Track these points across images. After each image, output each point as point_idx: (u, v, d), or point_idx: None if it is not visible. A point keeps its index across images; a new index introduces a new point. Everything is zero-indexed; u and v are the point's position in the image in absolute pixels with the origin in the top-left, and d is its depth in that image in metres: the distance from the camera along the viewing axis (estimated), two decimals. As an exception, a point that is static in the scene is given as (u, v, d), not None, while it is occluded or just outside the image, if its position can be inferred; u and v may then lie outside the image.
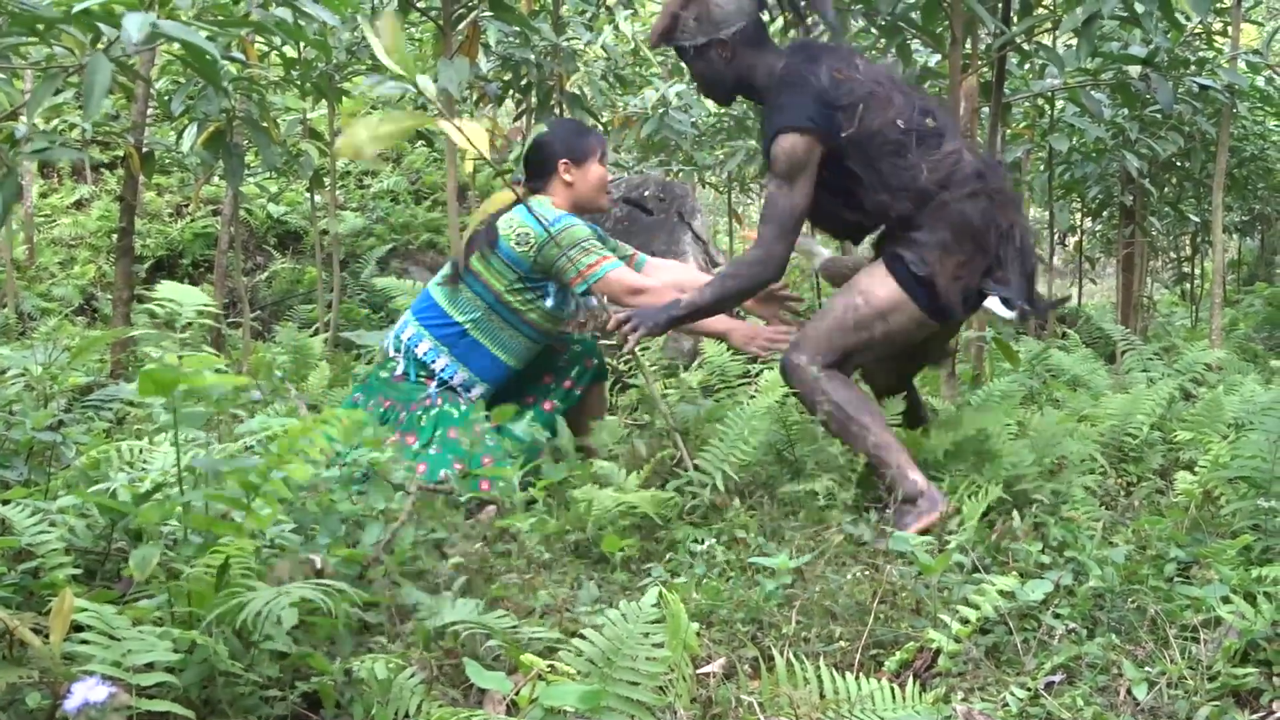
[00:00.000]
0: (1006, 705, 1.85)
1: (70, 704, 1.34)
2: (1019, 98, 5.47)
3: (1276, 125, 6.73)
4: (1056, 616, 2.11)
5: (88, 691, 1.35)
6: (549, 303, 3.31)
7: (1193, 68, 4.97)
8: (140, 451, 2.50)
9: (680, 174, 7.51)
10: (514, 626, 1.89)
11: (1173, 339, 6.06)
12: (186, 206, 7.88)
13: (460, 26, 4.19)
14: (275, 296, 7.37)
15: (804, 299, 3.02)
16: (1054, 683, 1.93)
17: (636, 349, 3.05)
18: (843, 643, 2.12)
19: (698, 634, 1.96)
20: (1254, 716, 1.82)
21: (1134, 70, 4.71)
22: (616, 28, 5.68)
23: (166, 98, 4.64)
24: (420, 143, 7.26)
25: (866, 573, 2.44)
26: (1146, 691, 1.88)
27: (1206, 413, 3.43)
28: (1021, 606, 2.13)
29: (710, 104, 6.15)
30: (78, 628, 1.60)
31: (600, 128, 6.21)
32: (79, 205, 8.00)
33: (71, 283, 7.14)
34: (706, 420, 3.38)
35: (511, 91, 5.73)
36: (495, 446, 3.06)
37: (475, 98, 5.95)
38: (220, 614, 1.70)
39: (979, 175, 2.96)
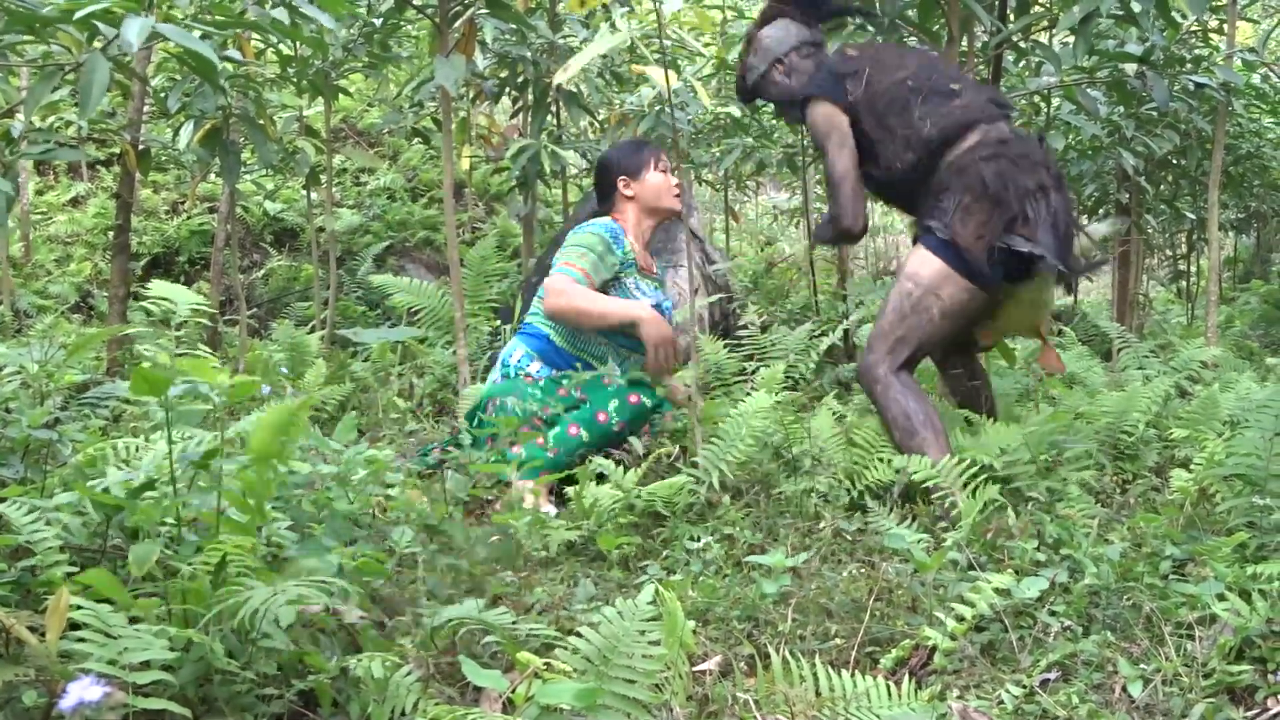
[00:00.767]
0: (1002, 703, 1.85)
1: (65, 703, 1.34)
2: (1016, 95, 5.47)
3: (1272, 123, 6.73)
4: (1052, 614, 2.12)
5: (83, 691, 1.35)
6: None
7: (1189, 66, 4.98)
8: (136, 449, 2.50)
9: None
10: (511, 624, 1.90)
11: (1169, 336, 6.07)
12: (183, 204, 7.87)
13: (457, 24, 4.18)
14: (272, 294, 7.36)
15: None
16: (1049, 680, 1.94)
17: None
18: (839, 640, 2.12)
19: (694, 632, 1.96)
20: (1249, 713, 1.82)
21: (1130, 68, 4.72)
22: (613, 25, 5.67)
23: (163, 95, 4.63)
24: (417, 140, 7.26)
25: (862, 570, 2.44)
26: (1141, 689, 1.88)
27: (1202, 410, 3.43)
28: (1017, 604, 2.13)
29: (707, 102, 6.14)
30: (74, 625, 1.60)
31: (596, 124, 6.21)
32: (75, 202, 7.99)
33: (67, 280, 7.13)
34: (703, 420, 3.38)
35: (508, 89, 5.73)
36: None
37: (472, 95, 5.95)
38: (218, 612, 1.70)
39: (1002, 141, 3.05)
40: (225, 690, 1.69)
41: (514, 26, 4.97)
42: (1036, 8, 4.55)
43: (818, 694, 1.85)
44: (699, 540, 2.58)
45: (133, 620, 1.65)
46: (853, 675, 1.89)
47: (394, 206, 8.04)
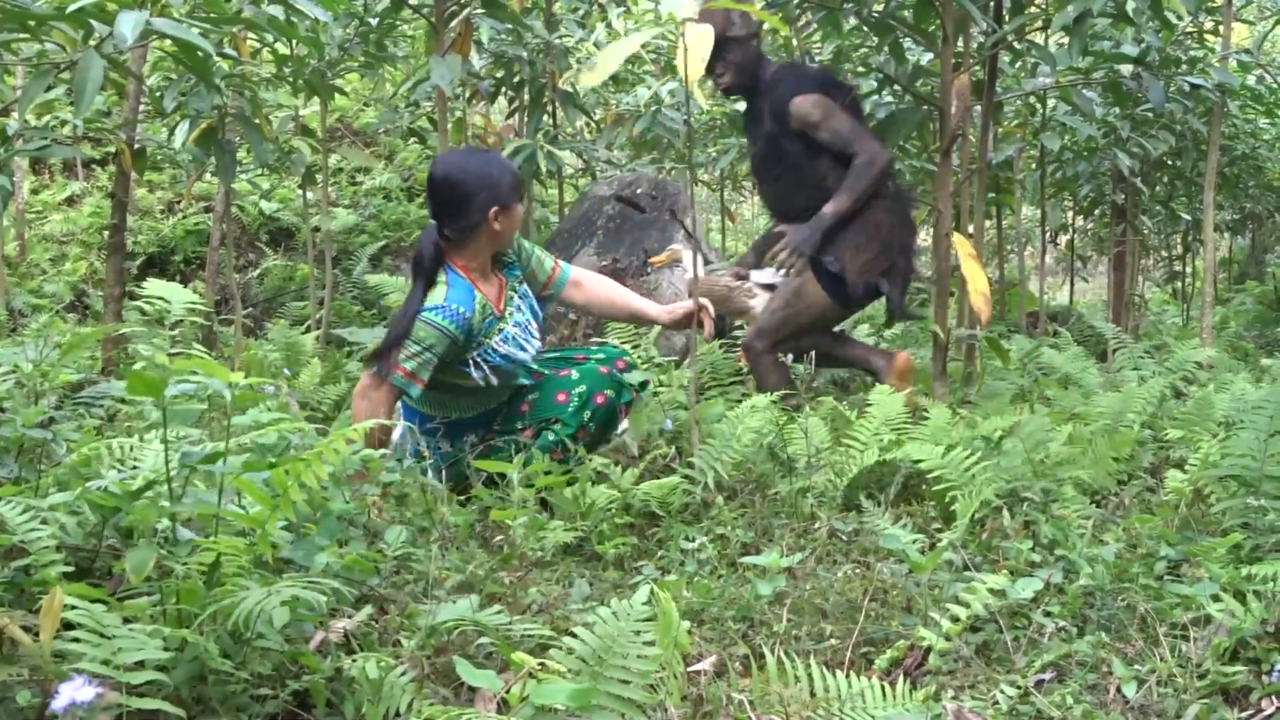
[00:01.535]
0: (996, 703, 1.85)
1: (57, 704, 1.34)
2: (1011, 96, 5.48)
3: (1267, 124, 6.75)
4: (1047, 614, 2.12)
5: (75, 691, 1.34)
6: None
7: (1184, 67, 4.98)
8: (131, 449, 2.49)
9: (673, 172, 7.51)
10: (505, 624, 1.89)
11: (1164, 337, 6.08)
12: (178, 203, 7.86)
13: (453, 24, 4.18)
14: (267, 293, 7.35)
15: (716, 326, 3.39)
16: (1044, 680, 1.94)
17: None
18: (833, 641, 2.12)
19: (689, 632, 1.96)
20: (1243, 714, 1.83)
21: (1125, 69, 4.72)
22: (609, 25, 5.67)
23: (159, 94, 4.63)
24: (413, 140, 7.25)
25: (857, 571, 2.44)
26: (1136, 689, 1.88)
27: (1197, 411, 3.43)
28: (1012, 604, 2.13)
29: (704, 102, 6.15)
30: (68, 625, 1.59)
31: (592, 125, 6.21)
32: (70, 201, 7.98)
33: (63, 279, 7.12)
34: (700, 420, 3.38)
35: (504, 89, 5.73)
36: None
37: (468, 95, 5.95)
38: (213, 612, 1.70)
39: (897, 195, 4.01)
40: (220, 690, 1.69)
41: (510, 26, 4.97)
42: (1031, 8, 4.55)
43: (812, 694, 1.84)
44: (694, 540, 2.58)
45: (127, 620, 1.64)
46: (847, 675, 1.89)
47: (390, 206, 8.04)
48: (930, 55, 4.85)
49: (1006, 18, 4.23)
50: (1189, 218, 7.24)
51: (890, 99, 5.28)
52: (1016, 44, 4.40)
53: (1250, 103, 6.24)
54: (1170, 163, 6.39)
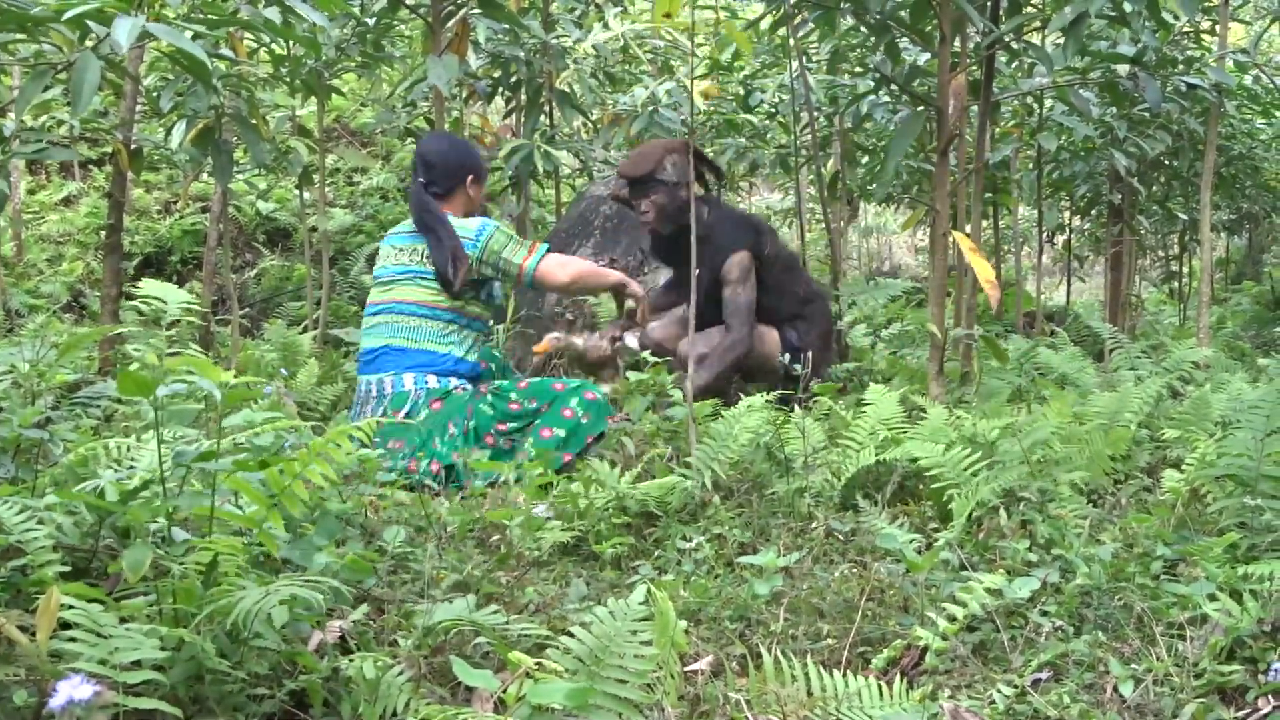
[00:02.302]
0: (993, 703, 1.85)
1: (55, 702, 1.34)
2: (1007, 96, 5.48)
3: (1264, 124, 6.75)
4: (1043, 614, 2.12)
5: (72, 690, 1.34)
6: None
7: (1180, 67, 4.99)
8: (128, 449, 2.49)
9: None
10: (502, 624, 1.89)
11: (1161, 337, 6.08)
12: (175, 203, 7.85)
13: (450, 24, 4.18)
14: (264, 293, 7.35)
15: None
16: (1041, 680, 1.94)
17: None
18: (830, 640, 2.12)
19: (686, 631, 1.96)
20: (1240, 714, 1.83)
21: (1122, 69, 4.72)
22: (606, 25, 5.67)
23: (155, 94, 4.63)
24: (410, 140, 7.25)
25: (854, 570, 2.45)
26: (1133, 689, 1.88)
27: (1194, 411, 3.43)
28: (1009, 604, 2.13)
29: (701, 102, 6.14)
30: (65, 625, 1.59)
31: (589, 124, 6.21)
32: (67, 202, 7.98)
33: (59, 279, 7.11)
34: (696, 419, 3.38)
35: (501, 89, 5.73)
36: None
37: (465, 95, 5.94)
38: (210, 612, 1.70)
39: (820, 295, 4.49)
40: (216, 690, 1.69)
41: (507, 26, 4.97)
42: (1028, 8, 4.55)
43: (809, 694, 1.85)
44: (691, 540, 2.58)
45: (124, 620, 1.64)
46: (844, 675, 1.89)
47: (387, 206, 8.04)
48: (927, 55, 4.85)
49: (1003, 18, 4.23)
50: (1186, 218, 7.25)
51: (887, 99, 5.28)
52: (1013, 44, 4.40)
53: (1247, 103, 6.24)
54: (1167, 163, 6.40)
